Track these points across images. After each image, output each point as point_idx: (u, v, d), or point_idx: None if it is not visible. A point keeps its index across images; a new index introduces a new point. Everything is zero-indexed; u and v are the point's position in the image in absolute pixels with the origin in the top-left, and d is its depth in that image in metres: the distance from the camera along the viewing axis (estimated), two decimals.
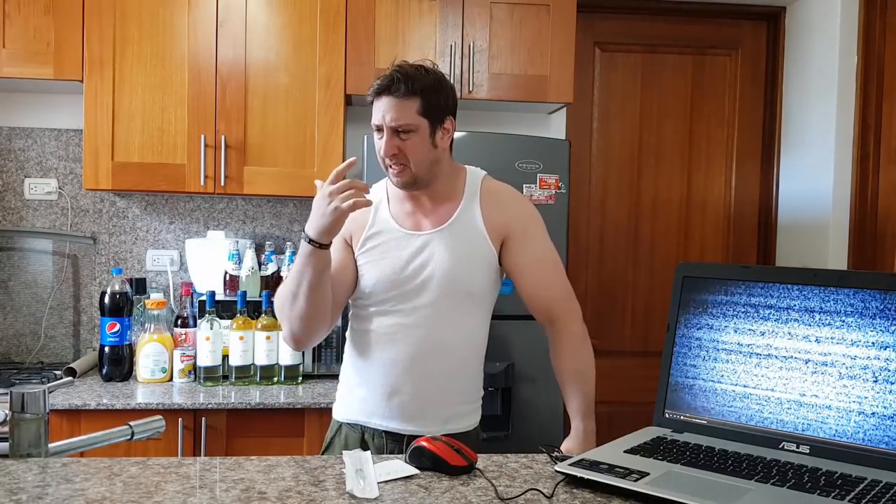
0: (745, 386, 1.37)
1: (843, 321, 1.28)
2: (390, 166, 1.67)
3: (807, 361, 1.31)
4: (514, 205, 1.78)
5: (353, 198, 1.51)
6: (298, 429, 2.35)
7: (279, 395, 2.38)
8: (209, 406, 2.30)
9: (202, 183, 2.56)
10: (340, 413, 1.80)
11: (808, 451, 1.28)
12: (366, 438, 1.74)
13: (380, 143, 1.67)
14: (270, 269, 2.68)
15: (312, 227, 1.56)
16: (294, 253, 2.67)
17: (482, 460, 1.36)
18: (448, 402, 1.74)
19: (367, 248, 1.74)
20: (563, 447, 1.66)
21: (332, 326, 1.75)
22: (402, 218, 1.75)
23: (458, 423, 1.74)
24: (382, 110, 1.64)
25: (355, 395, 1.77)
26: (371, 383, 1.73)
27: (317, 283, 1.61)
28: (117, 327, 2.51)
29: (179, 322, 2.55)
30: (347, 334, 1.83)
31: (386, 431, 1.72)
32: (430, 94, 1.64)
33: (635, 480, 1.18)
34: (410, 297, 1.71)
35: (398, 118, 1.62)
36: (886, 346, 1.24)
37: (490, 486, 1.23)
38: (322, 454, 1.81)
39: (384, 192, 1.79)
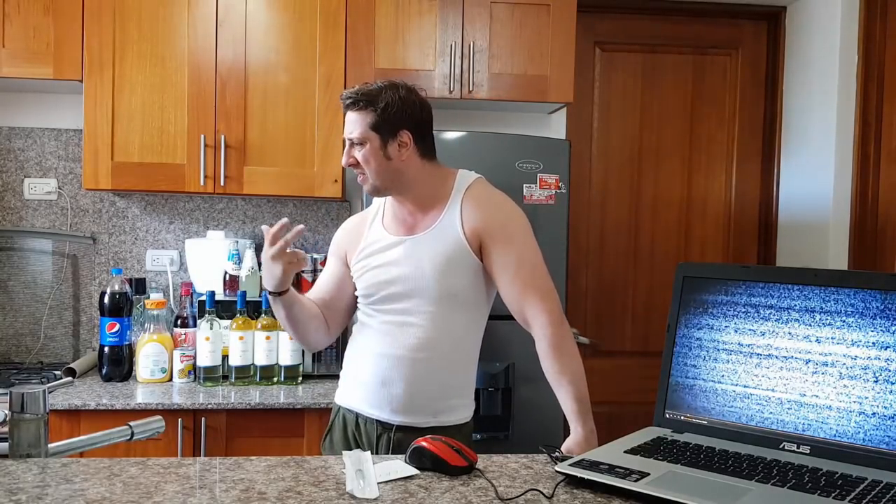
0: (745, 386, 1.37)
1: (844, 321, 1.28)
2: (356, 174, 1.83)
3: (807, 361, 1.31)
4: (493, 208, 1.82)
5: (291, 258, 1.73)
6: (298, 429, 2.34)
7: (279, 396, 2.38)
8: (209, 406, 2.29)
9: (202, 183, 2.56)
10: (340, 398, 1.93)
11: (808, 452, 1.28)
12: (359, 423, 1.86)
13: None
14: None
15: (266, 282, 1.79)
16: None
17: (482, 460, 1.36)
18: (438, 397, 1.82)
19: (361, 258, 1.88)
20: (563, 448, 1.66)
21: (336, 334, 1.97)
22: (395, 226, 1.87)
23: (449, 416, 1.83)
24: (345, 123, 1.81)
25: (352, 384, 1.89)
26: (366, 374, 1.84)
27: (292, 317, 1.84)
28: (117, 327, 2.51)
29: (179, 322, 2.55)
30: (353, 327, 1.96)
31: (378, 420, 1.82)
32: (380, 109, 1.75)
33: (636, 481, 1.18)
34: (399, 299, 1.81)
35: (351, 131, 1.78)
36: (887, 347, 1.24)
37: (490, 486, 1.23)
38: (324, 437, 1.95)
39: (380, 204, 1.93)
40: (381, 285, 1.82)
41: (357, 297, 1.91)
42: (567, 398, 1.71)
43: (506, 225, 1.80)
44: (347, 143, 1.80)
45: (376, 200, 1.94)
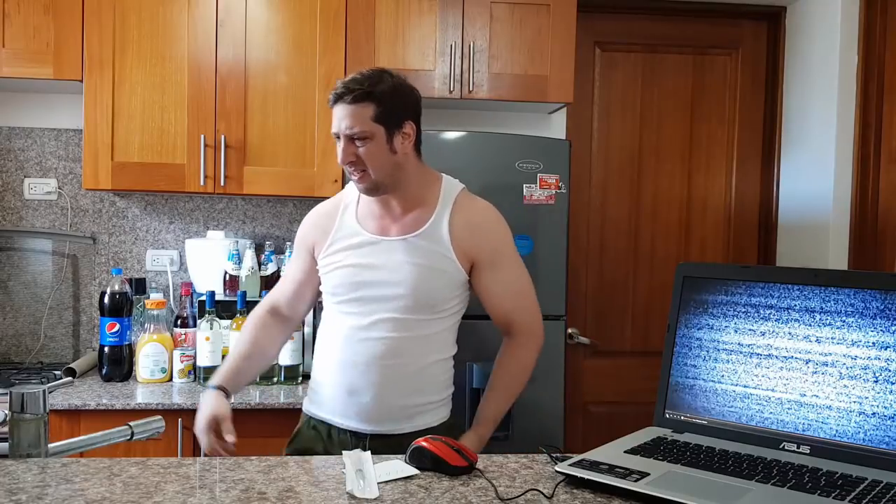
0: (745, 386, 1.37)
1: (844, 321, 1.28)
2: (352, 173, 1.70)
3: (807, 361, 1.31)
4: (484, 230, 1.76)
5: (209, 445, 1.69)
6: None
7: (279, 395, 2.38)
8: None
9: (202, 183, 2.56)
10: (308, 407, 1.85)
11: (808, 452, 1.28)
12: (332, 433, 1.78)
13: (339, 150, 1.70)
14: (270, 268, 2.67)
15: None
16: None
17: (482, 460, 1.36)
18: (408, 403, 1.74)
19: (331, 252, 1.78)
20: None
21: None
22: (369, 221, 1.77)
23: (423, 419, 1.76)
24: (338, 118, 1.66)
25: (321, 393, 1.80)
26: (333, 382, 1.76)
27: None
28: (117, 327, 2.51)
29: (179, 322, 2.54)
30: (318, 331, 1.87)
31: (350, 430, 1.75)
32: (384, 99, 1.64)
33: (636, 481, 1.18)
34: (370, 303, 1.72)
35: (352, 125, 1.64)
36: (887, 347, 1.24)
37: (490, 486, 1.23)
38: (289, 444, 1.86)
39: (355, 194, 1.80)
40: (351, 286, 1.72)
41: (323, 290, 1.82)
42: (494, 402, 1.78)
43: (497, 249, 1.76)
44: (344, 139, 1.66)
45: (350, 189, 1.83)
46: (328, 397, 1.77)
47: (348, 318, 1.74)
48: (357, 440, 1.73)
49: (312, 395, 1.84)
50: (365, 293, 1.71)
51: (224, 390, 1.75)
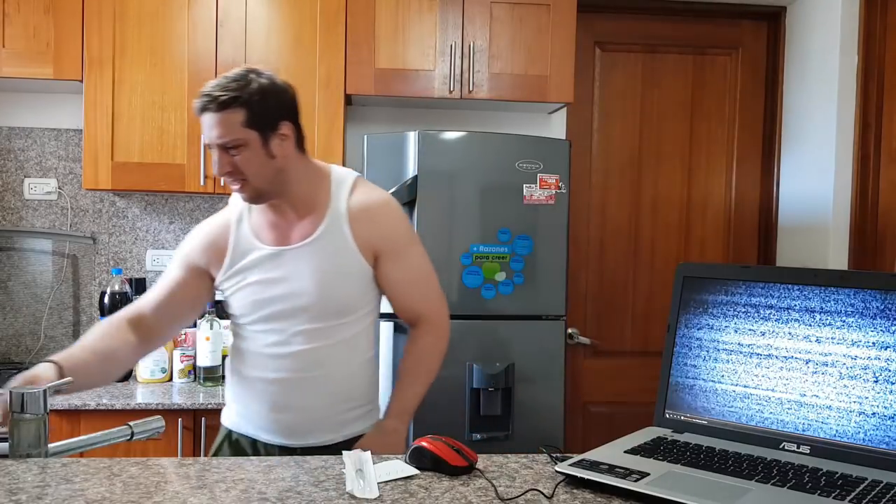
0: (745, 386, 1.37)
1: (844, 321, 1.28)
2: (231, 183, 1.59)
3: (807, 361, 1.31)
4: (384, 220, 1.68)
5: None
6: None
7: None
8: (209, 406, 2.29)
9: (202, 183, 2.56)
10: (231, 421, 1.74)
11: (808, 452, 1.28)
12: (257, 447, 1.69)
13: (213, 161, 1.59)
14: None
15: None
16: None
17: (482, 460, 1.36)
18: (335, 412, 1.68)
19: (231, 274, 1.67)
20: (361, 441, 1.64)
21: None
22: (264, 231, 1.67)
23: (353, 427, 1.70)
24: (207, 127, 1.55)
25: (242, 409, 1.71)
26: (254, 399, 1.68)
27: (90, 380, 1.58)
28: None
29: None
30: (230, 350, 1.77)
31: (278, 445, 1.68)
32: (253, 102, 1.53)
33: (636, 481, 1.18)
34: (282, 318, 1.64)
35: (222, 134, 1.53)
36: (887, 347, 1.24)
37: (490, 486, 1.23)
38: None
39: (244, 204, 1.69)
40: (257, 305, 1.63)
41: (230, 311, 1.72)
42: (402, 392, 1.70)
43: (397, 237, 1.69)
44: (217, 149, 1.55)
45: (237, 200, 1.70)
46: (253, 414, 1.68)
47: (261, 336, 1.65)
48: (288, 453, 1.64)
49: (234, 408, 1.73)
50: (273, 309, 1.63)
51: (60, 369, 1.50)
